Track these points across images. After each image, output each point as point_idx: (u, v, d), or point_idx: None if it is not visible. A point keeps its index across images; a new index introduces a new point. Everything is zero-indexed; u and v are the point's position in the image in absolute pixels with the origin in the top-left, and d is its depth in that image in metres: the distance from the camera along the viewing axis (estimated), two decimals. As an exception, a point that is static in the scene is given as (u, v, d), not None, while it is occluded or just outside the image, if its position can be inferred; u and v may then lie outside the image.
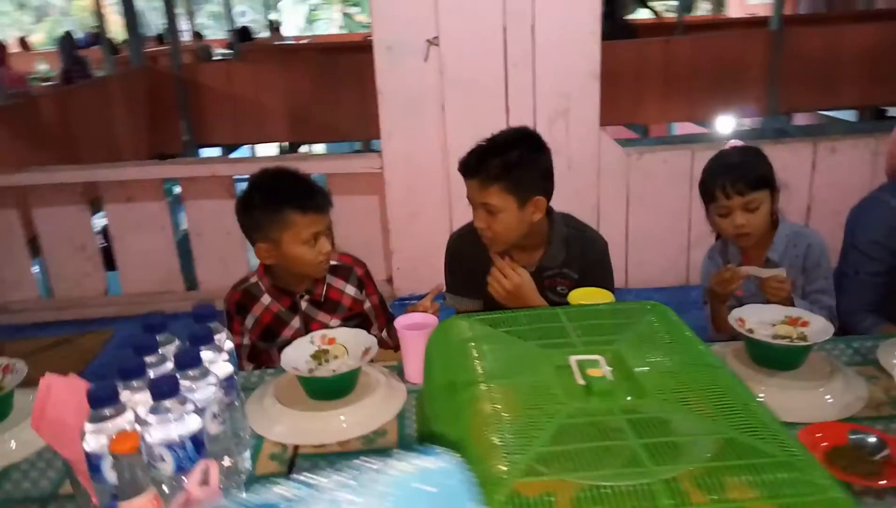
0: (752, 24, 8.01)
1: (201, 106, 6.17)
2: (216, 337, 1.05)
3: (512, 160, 1.57)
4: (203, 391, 0.92)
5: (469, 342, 1.09)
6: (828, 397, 1.21)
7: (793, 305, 1.65)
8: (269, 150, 7.16)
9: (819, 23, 7.48)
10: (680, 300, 2.77)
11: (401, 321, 1.37)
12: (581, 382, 0.94)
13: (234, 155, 6.87)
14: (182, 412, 0.84)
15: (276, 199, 1.53)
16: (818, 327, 1.29)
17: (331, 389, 1.24)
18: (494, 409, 0.90)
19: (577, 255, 1.73)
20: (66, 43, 9.88)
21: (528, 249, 1.73)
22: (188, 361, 0.93)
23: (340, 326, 1.63)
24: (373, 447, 1.16)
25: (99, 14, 6.81)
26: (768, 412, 0.84)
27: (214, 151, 6.50)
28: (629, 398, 0.91)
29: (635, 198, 2.65)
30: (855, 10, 9.00)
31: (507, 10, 2.37)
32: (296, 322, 1.68)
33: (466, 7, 2.36)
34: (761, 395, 1.23)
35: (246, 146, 7.21)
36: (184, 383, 0.90)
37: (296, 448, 1.15)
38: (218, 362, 1.03)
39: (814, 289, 1.76)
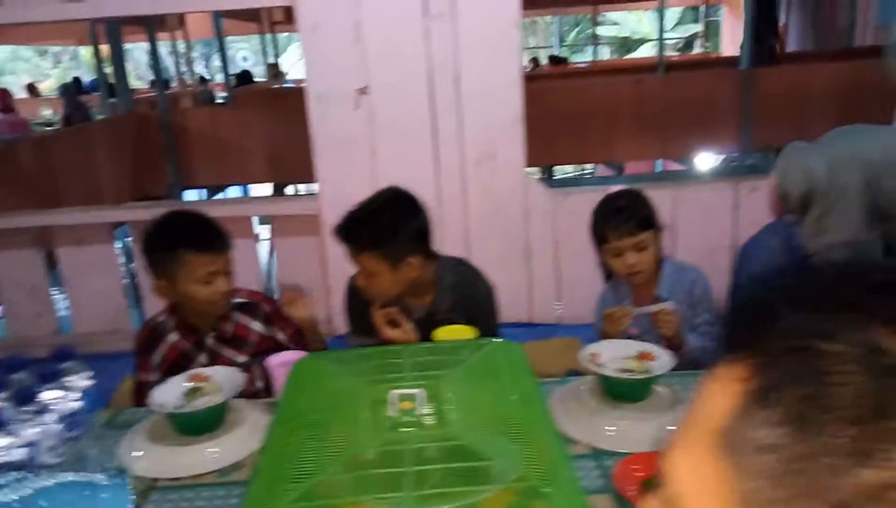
0: (724, 63, 8.17)
1: (187, 149, 6.33)
2: (67, 378, 1.14)
3: (381, 228, 1.66)
4: (36, 426, 1.01)
5: (306, 379, 1.18)
6: (668, 427, 1.28)
7: (681, 337, 1.73)
8: (263, 189, 7.33)
9: (790, 61, 7.62)
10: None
11: (272, 359, 1.45)
12: (392, 414, 1.01)
13: (219, 196, 7.03)
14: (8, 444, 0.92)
15: (171, 239, 1.63)
16: (662, 361, 1.37)
17: (194, 424, 1.32)
18: (292, 442, 0.97)
19: (464, 301, 1.82)
20: (69, 89, 10.21)
21: (418, 294, 1.82)
22: (22, 398, 1.01)
23: (251, 361, 1.73)
24: (227, 479, 1.23)
25: (98, 60, 7.05)
26: (559, 446, 0.92)
27: (196, 193, 6.66)
28: (432, 429, 0.99)
29: (564, 238, 2.73)
30: (829, 48, 9.16)
31: (433, 62, 2.50)
32: (202, 359, 1.76)
33: (393, 58, 2.49)
34: (611, 427, 1.30)
35: (236, 186, 7.38)
36: (20, 417, 0.99)
37: (154, 480, 1.23)
38: (65, 400, 1.11)
39: (701, 322, 1.83)
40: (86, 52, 18.81)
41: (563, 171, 8.38)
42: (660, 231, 1.83)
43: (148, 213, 2.88)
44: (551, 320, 2.84)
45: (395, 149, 2.58)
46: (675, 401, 1.36)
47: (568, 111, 6.22)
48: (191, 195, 6.74)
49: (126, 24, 6.37)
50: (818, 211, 1.65)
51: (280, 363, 1.41)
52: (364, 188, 2.71)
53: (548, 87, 6.90)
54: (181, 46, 10.02)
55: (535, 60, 13.97)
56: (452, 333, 1.46)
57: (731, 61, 7.37)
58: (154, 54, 6.09)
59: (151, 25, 5.97)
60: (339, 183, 2.56)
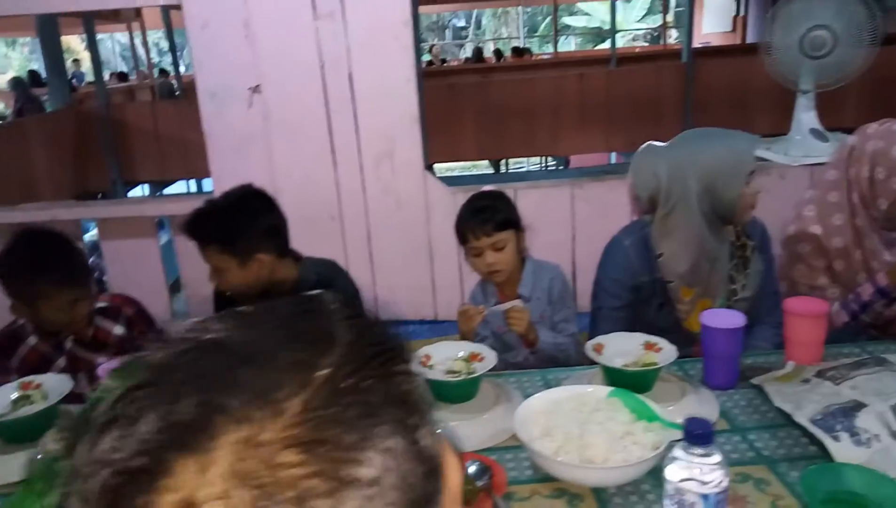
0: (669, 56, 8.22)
1: (129, 144, 6.25)
2: None
3: (226, 223, 1.67)
4: None
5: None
6: (488, 426, 1.31)
7: (534, 333, 1.74)
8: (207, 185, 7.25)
9: (728, 54, 7.71)
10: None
11: (103, 366, 1.45)
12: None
13: (167, 191, 6.95)
14: None
15: (30, 270, 1.60)
16: (487, 361, 1.39)
17: (18, 432, 1.32)
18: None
19: None
20: (20, 82, 10.06)
21: (281, 294, 1.82)
22: None
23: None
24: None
25: (44, 54, 6.91)
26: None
27: (140, 189, 6.58)
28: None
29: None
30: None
31: (324, 60, 2.49)
32: (61, 362, 1.75)
33: (285, 56, 2.48)
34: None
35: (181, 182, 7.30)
36: None
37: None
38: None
39: (559, 319, 1.86)
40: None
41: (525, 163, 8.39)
42: (520, 231, 1.85)
43: (42, 214, 2.87)
44: (456, 317, 2.86)
45: (292, 147, 2.57)
46: (500, 399, 1.38)
47: (515, 105, 6.24)
48: (135, 191, 6.66)
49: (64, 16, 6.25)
50: (663, 212, 1.67)
51: (111, 369, 1.40)
52: (261, 186, 2.72)
53: (495, 81, 6.91)
54: (154, 37, 9.85)
55: (498, 52, 13.96)
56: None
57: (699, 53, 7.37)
58: (92, 47, 5.99)
59: (89, 18, 5.86)
60: (235, 181, 2.55)
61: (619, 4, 20.64)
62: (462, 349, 1.45)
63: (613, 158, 7.54)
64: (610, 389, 1.26)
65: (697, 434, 0.83)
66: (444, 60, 15.55)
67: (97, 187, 6.27)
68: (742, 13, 12.74)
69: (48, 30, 5.77)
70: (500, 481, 1.13)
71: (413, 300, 2.74)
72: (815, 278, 1.85)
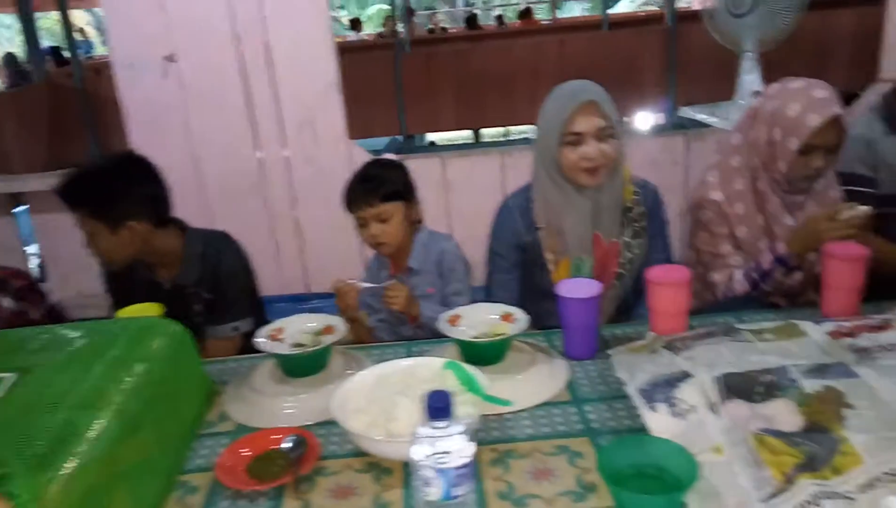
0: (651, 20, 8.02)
1: (110, 118, 6.20)
2: None
3: (98, 188, 1.64)
4: None
5: None
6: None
7: (417, 309, 1.72)
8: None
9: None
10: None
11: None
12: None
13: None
14: None
15: None
16: (338, 332, 1.36)
17: None
18: None
19: (210, 272, 1.80)
20: (11, 59, 10.11)
21: (165, 265, 1.80)
22: None
23: None
24: None
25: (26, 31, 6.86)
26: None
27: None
28: None
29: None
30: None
31: (238, 28, 2.44)
32: None
33: (198, 24, 2.43)
34: (289, 403, 1.29)
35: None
36: None
37: None
38: None
39: (450, 292, 1.82)
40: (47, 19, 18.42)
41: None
42: (410, 203, 1.81)
43: None
44: (386, 286, 2.83)
45: (210, 118, 2.54)
46: (346, 368, 1.36)
47: (493, 74, 6.14)
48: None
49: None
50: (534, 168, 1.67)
51: None
52: (180, 157, 2.70)
53: (471, 49, 6.79)
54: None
55: (499, 18, 13.73)
56: (136, 311, 1.44)
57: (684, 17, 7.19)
58: (65, 20, 5.94)
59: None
60: (153, 153, 2.52)
61: (627, -33, 20.22)
62: (315, 321, 1.42)
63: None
64: (444, 361, 1.22)
65: (435, 409, 0.79)
66: (444, 29, 15.32)
67: (77, 161, 6.25)
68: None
69: (24, 5, 5.72)
70: (312, 455, 1.10)
71: (342, 272, 2.70)
72: (717, 246, 1.79)
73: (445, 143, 7.55)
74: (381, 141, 6.59)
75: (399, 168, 1.83)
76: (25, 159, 5.61)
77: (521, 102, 6.16)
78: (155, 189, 1.73)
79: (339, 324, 1.40)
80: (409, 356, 1.46)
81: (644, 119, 6.68)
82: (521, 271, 1.77)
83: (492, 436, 1.16)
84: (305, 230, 2.65)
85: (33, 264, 3.76)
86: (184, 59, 2.51)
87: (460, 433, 0.81)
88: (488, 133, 8.22)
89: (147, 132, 2.57)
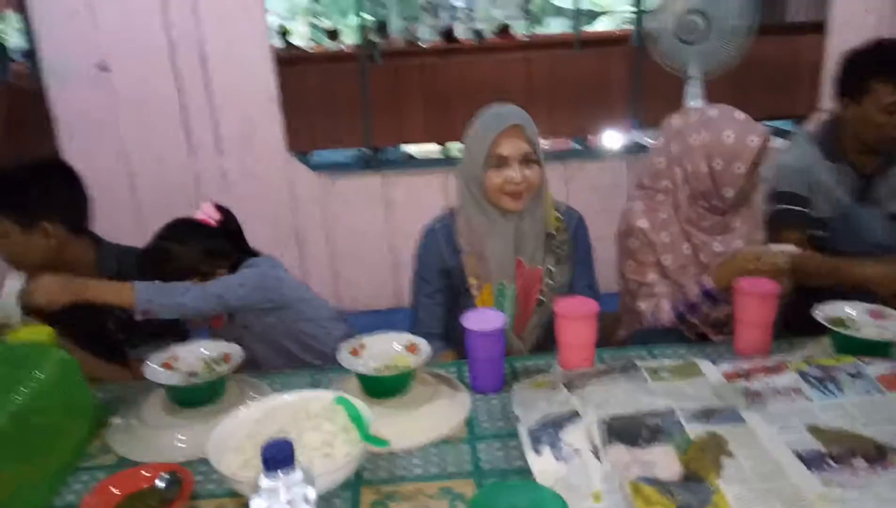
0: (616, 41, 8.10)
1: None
2: None
3: (12, 186, 1.61)
4: None
5: None
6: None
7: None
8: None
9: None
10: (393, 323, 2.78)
11: None
12: None
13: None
14: None
15: None
16: (234, 361, 1.31)
17: None
18: None
19: None
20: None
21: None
22: None
23: None
24: None
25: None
26: None
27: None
28: None
29: (334, 223, 2.65)
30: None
31: (172, 37, 2.40)
32: None
33: (130, 33, 2.38)
34: (175, 436, 1.24)
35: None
36: None
37: None
38: None
39: None
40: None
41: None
42: (210, 275, 1.76)
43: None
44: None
45: (143, 127, 2.48)
46: (244, 398, 1.31)
47: (461, 89, 6.12)
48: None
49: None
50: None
51: None
52: (113, 167, 2.64)
53: (439, 64, 6.77)
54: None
55: (478, 32, 13.78)
56: (27, 334, 1.38)
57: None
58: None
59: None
60: (86, 163, 2.46)
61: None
62: (211, 349, 1.37)
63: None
64: (335, 395, 1.18)
65: (272, 460, 0.75)
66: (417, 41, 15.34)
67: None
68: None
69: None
70: (184, 494, 1.05)
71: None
72: (644, 274, 1.78)
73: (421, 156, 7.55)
74: (346, 153, 6.55)
75: (194, 236, 1.77)
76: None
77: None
78: (73, 195, 1.70)
79: (237, 352, 1.35)
80: (312, 386, 1.42)
81: (611, 139, 6.71)
82: (445, 295, 1.75)
83: (378, 476, 1.11)
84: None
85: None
86: (115, 67, 2.45)
87: (301, 482, 0.77)
88: (457, 146, 8.23)
89: (79, 141, 2.50)
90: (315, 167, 6.61)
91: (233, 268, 1.77)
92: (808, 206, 1.95)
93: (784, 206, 1.94)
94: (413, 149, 7.85)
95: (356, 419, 1.13)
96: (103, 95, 2.46)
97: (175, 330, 1.83)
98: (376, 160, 6.35)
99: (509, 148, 1.56)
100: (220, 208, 1.83)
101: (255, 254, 1.85)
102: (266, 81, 2.46)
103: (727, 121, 1.65)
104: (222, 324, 1.81)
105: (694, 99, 2.98)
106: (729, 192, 1.66)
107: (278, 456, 0.75)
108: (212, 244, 1.76)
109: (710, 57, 2.89)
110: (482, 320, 1.34)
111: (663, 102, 5.81)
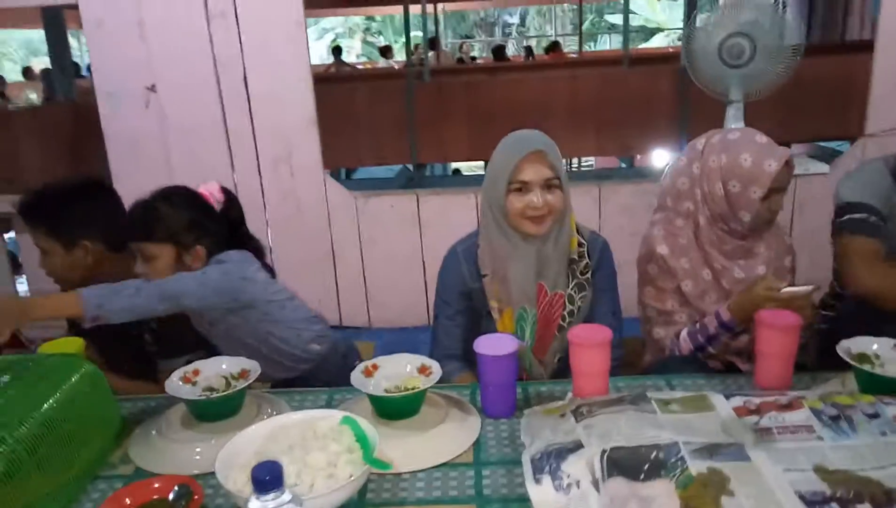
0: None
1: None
2: None
3: (56, 205, 1.69)
4: None
5: None
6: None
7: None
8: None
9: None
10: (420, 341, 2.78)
11: None
12: None
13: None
14: None
15: None
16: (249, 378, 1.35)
17: None
18: None
19: None
20: (46, 74, 10.56)
21: None
22: None
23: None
24: None
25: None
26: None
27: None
28: None
29: (367, 241, 2.69)
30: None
31: (218, 61, 2.49)
32: None
33: (179, 56, 2.48)
34: (190, 449, 1.28)
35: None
36: None
37: None
38: None
39: None
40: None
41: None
42: (176, 244, 1.70)
43: None
44: (360, 323, 2.82)
45: (189, 148, 2.57)
46: (261, 413, 1.35)
47: (503, 106, 6.14)
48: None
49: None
50: None
51: None
52: (159, 186, 2.72)
53: (483, 82, 6.80)
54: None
55: (528, 49, 13.83)
56: (57, 346, 1.45)
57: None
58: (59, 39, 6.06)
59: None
60: (133, 181, 2.57)
61: (665, 3, 20.18)
62: (230, 364, 1.41)
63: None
64: (341, 415, 1.20)
65: (261, 481, 0.77)
66: (473, 58, 15.47)
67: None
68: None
69: (54, 23, 5.91)
70: (194, 506, 1.09)
71: (317, 307, 2.70)
72: (664, 302, 1.75)
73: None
74: (393, 169, 6.64)
75: (154, 208, 1.68)
76: (45, 177, 5.75)
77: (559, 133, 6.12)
78: (113, 213, 1.77)
79: (254, 367, 1.39)
80: (329, 405, 1.45)
81: (660, 158, 6.61)
82: (467, 317, 1.75)
83: (381, 498, 1.13)
84: (280, 267, 2.67)
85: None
86: (163, 89, 2.56)
87: (289, 503, 0.79)
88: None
89: (128, 162, 2.62)
90: (359, 184, 6.74)
91: (219, 248, 1.70)
92: (883, 219, 1.69)
93: (856, 215, 1.69)
94: (461, 165, 7.91)
95: (361, 440, 1.15)
96: (151, 115, 2.57)
97: (206, 343, 1.88)
98: (419, 177, 6.42)
99: (531, 173, 1.56)
100: (225, 190, 1.78)
101: (246, 241, 1.80)
102: (305, 102, 2.53)
103: (747, 144, 1.62)
104: None
105: (736, 122, 2.92)
106: (745, 215, 1.63)
107: (267, 478, 0.77)
108: (200, 217, 1.69)
109: (753, 80, 2.83)
110: (495, 345, 1.34)
111: (709, 123, 5.71)
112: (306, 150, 2.57)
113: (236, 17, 2.45)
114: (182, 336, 1.84)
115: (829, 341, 1.45)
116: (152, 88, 2.54)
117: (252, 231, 1.87)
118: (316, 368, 1.86)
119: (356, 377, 1.34)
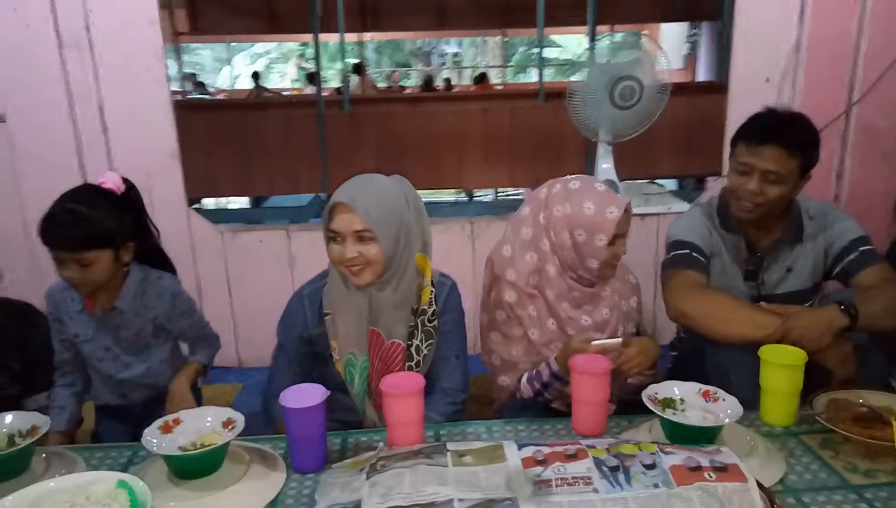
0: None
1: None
2: None
3: (99, 219, 1.65)
4: None
5: None
6: None
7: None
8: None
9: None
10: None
11: None
12: None
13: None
14: None
15: None
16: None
17: None
18: None
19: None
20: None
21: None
22: None
23: None
24: None
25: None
26: None
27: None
28: None
29: (236, 276, 2.62)
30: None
31: (72, 91, 2.38)
32: None
33: (28, 85, 2.37)
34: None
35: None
36: None
37: None
38: None
39: (184, 327, 1.99)
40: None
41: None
42: (118, 247, 1.71)
43: None
44: (230, 362, 2.73)
45: (41, 178, 2.45)
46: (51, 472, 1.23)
47: (418, 135, 6.17)
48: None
49: None
50: None
51: None
52: (12, 220, 2.60)
53: (396, 112, 6.83)
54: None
55: (448, 81, 13.98)
56: None
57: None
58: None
59: None
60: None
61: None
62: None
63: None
64: (117, 479, 1.12)
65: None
66: (402, 88, 15.55)
67: None
68: (690, 51, 12.83)
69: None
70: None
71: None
72: (509, 349, 1.73)
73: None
74: (306, 197, 6.55)
75: (97, 215, 1.66)
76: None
77: (446, 166, 6.18)
78: (133, 215, 1.79)
79: (44, 424, 1.29)
80: (131, 462, 1.36)
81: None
82: (303, 362, 1.70)
83: (155, 566, 1.05)
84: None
85: None
86: (13, 119, 2.43)
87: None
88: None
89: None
90: (272, 214, 6.60)
91: (139, 251, 1.77)
92: (707, 259, 1.83)
93: (680, 251, 1.83)
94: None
95: (135, 505, 1.07)
96: (1, 146, 2.44)
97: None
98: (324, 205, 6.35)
99: (339, 224, 1.52)
100: (125, 180, 1.79)
101: (152, 239, 1.86)
102: (166, 134, 2.45)
103: (587, 193, 1.63)
104: (94, 309, 1.76)
105: (607, 163, 2.99)
106: (593, 263, 1.64)
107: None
108: (124, 214, 1.71)
109: (625, 120, 2.91)
110: (302, 396, 1.29)
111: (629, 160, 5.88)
112: (168, 183, 2.48)
113: (91, 46, 2.36)
114: (45, 370, 1.80)
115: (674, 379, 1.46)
116: (1, 118, 2.41)
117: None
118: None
119: (151, 433, 1.26)
